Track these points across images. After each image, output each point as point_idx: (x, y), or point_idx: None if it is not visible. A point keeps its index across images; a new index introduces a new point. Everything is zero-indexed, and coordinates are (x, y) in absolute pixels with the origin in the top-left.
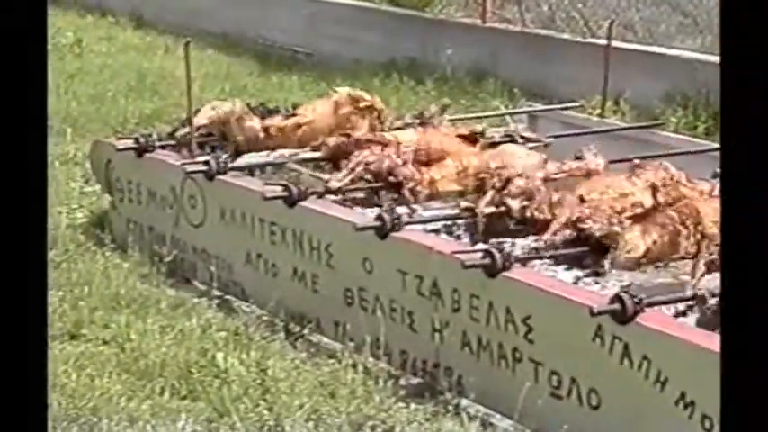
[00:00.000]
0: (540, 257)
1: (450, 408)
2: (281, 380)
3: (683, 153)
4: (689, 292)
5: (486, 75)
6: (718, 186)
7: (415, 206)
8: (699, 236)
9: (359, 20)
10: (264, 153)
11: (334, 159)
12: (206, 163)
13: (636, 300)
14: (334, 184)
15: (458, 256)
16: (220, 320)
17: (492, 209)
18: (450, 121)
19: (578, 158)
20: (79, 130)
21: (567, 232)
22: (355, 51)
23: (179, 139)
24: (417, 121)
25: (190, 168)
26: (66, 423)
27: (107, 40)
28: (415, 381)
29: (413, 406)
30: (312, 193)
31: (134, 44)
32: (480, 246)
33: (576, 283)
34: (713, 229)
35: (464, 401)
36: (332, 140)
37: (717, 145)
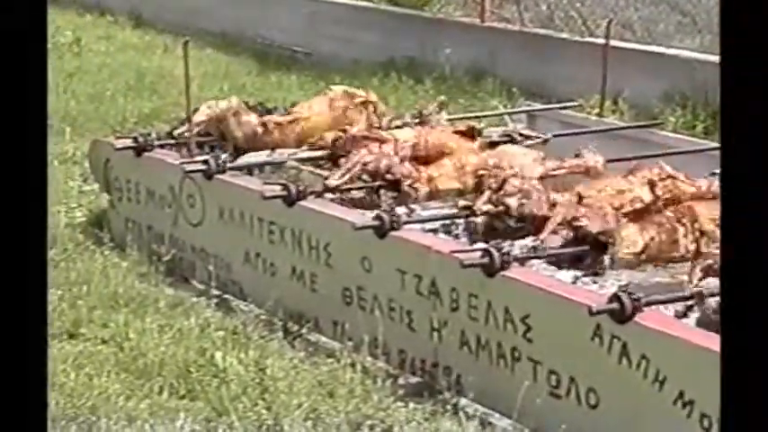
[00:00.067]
0: (539, 257)
1: (449, 407)
2: (279, 379)
3: (681, 152)
4: (687, 292)
5: (485, 74)
6: (715, 183)
7: (413, 206)
8: (697, 233)
9: (358, 19)
10: (263, 152)
11: (333, 156)
12: (205, 162)
13: (634, 299)
14: (332, 182)
15: (456, 255)
16: (219, 320)
17: (490, 207)
18: (449, 120)
19: (577, 157)
20: (78, 129)
21: (564, 232)
22: (354, 51)
23: (178, 139)
24: (416, 120)
25: (188, 167)
26: (65, 422)
27: (106, 39)
28: (413, 380)
29: (411, 405)
30: (311, 193)
31: (133, 43)
32: (479, 245)
33: (574, 282)
34: (710, 226)
35: (463, 401)
36: (329, 136)
37: (715, 144)
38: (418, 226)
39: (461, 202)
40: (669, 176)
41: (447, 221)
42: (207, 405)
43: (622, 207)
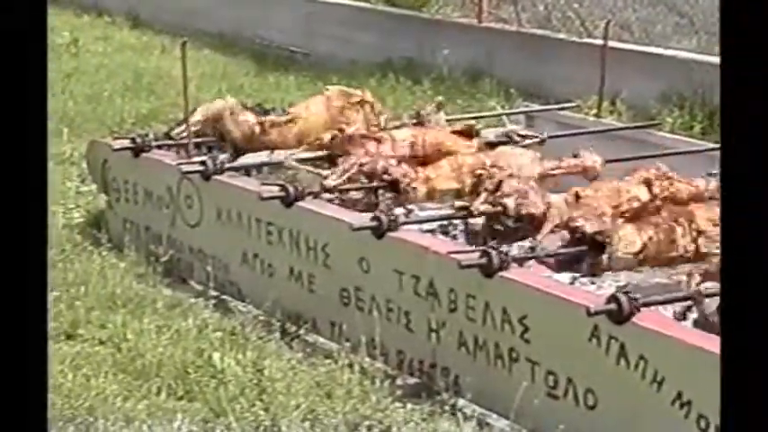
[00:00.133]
0: (537, 257)
1: (447, 408)
2: (277, 380)
3: (679, 153)
4: (685, 293)
5: (483, 75)
6: (712, 183)
7: (411, 206)
8: (695, 233)
9: (356, 20)
10: (261, 153)
11: (331, 156)
12: (202, 163)
13: (632, 300)
14: (330, 183)
15: (454, 256)
16: (217, 320)
17: (487, 206)
18: (448, 121)
19: (575, 157)
20: (76, 129)
21: (561, 233)
22: (352, 51)
23: (175, 139)
24: (414, 121)
25: (186, 168)
26: (63, 423)
27: (104, 39)
28: (411, 381)
29: (409, 406)
30: (309, 194)
31: (130, 44)
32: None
33: (572, 283)
34: (708, 227)
35: (460, 401)
36: (326, 136)
37: (713, 145)
38: (416, 227)
39: (458, 203)
40: (666, 177)
41: (445, 222)
42: (205, 406)
43: (620, 206)
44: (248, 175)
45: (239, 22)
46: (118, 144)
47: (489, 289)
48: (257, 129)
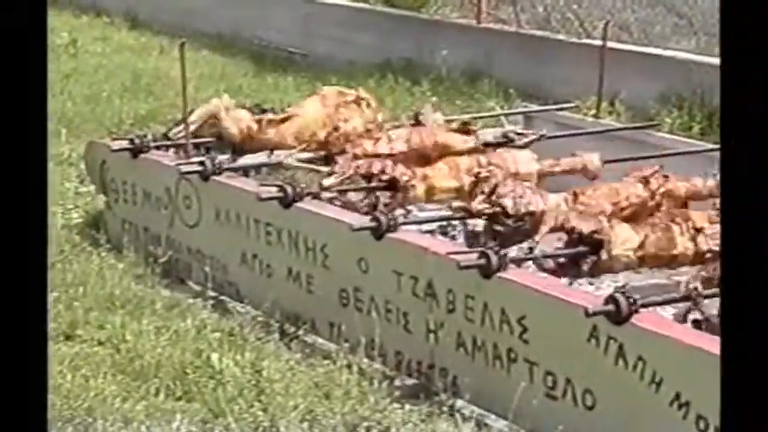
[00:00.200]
0: (535, 258)
1: (445, 409)
2: (275, 381)
3: (677, 154)
4: (683, 293)
5: (482, 75)
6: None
7: (410, 207)
8: (693, 231)
9: (354, 21)
10: (260, 154)
11: (328, 154)
12: (201, 163)
13: (631, 300)
14: (328, 183)
15: (453, 256)
16: (215, 321)
17: (485, 205)
18: (447, 121)
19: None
20: (74, 130)
21: (559, 235)
22: (351, 52)
23: (174, 140)
24: (412, 122)
25: (185, 169)
26: (62, 424)
27: (102, 40)
28: (409, 382)
29: (408, 407)
30: (307, 194)
31: (129, 44)
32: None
33: (570, 283)
34: (706, 226)
35: (459, 402)
36: (323, 134)
37: (712, 145)
38: (415, 227)
39: (455, 204)
40: (664, 176)
41: (444, 223)
42: (203, 407)
43: (618, 204)
44: (247, 175)
45: (238, 23)
46: (116, 145)
47: (488, 290)
48: (254, 126)
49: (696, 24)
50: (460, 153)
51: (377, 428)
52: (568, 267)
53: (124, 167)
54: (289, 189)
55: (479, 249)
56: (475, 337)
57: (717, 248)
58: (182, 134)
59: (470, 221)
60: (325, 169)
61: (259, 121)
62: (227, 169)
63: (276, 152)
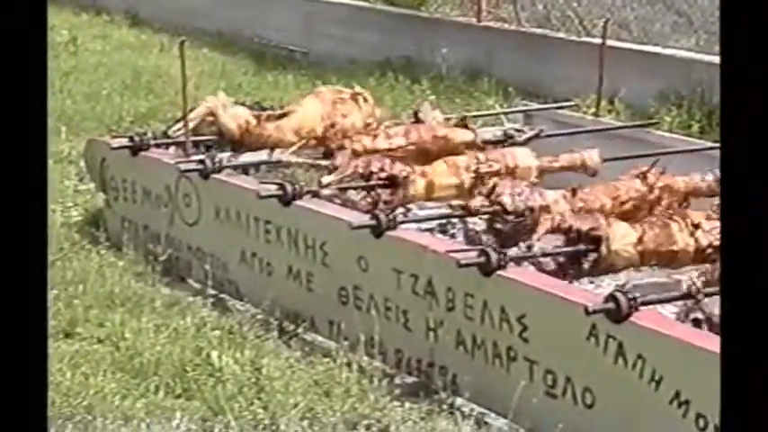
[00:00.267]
0: (534, 256)
1: (445, 407)
2: (275, 378)
3: (677, 152)
4: (683, 291)
5: (482, 74)
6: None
7: (409, 205)
8: (692, 227)
9: (354, 19)
10: (259, 152)
11: (327, 150)
12: (201, 161)
13: (630, 299)
14: (327, 179)
15: (452, 254)
16: (215, 319)
17: (484, 202)
18: (446, 119)
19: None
20: (74, 128)
21: (557, 233)
22: (351, 50)
23: (174, 138)
24: (411, 120)
25: (184, 167)
26: (61, 421)
27: (102, 38)
28: (409, 380)
29: (407, 405)
30: (307, 192)
31: (129, 42)
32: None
33: (570, 281)
34: (705, 224)
35: (459, 400)
36: (321, 129)
37: (711, 144)
38: (414, 225)
39: (455, 201)
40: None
41: (443, 221)
42: (203, 404)
43: (617, 199)
44: (246, 173)
45: (238, 21)
46: (116, 143)
47: (487, 288)
48: (253, 121)
49: (696, 22)
50: (459, 147)
51: (377, 426)
52: (569, 267)
53: (124, 165)
54: (288, 187)
55: (479, 247)
56: (474, 336)
57: (717, 243)
58: (181, 132)
59: (470, 220)
60: (324, 163)
61: (258, 117)
62: (227, 167)
63: (276, 150)
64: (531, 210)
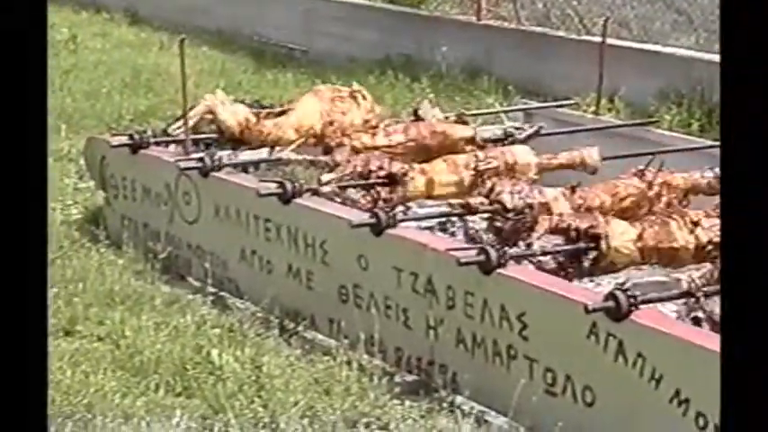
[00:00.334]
0: (534, 254)
1: (445, 405)
2: (275, 377)
3: (676, 150)
4: (683, 290)
5: (481, 72)
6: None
7: (409, 203)
8: (691, 224)
9: (354, 17)
10: (259, 150)
11: (327, 147)
12: (200, 159)
13: (630, 297)
14: (327, 178)
15: (452, 253)
16: (215, 317)
17: (483, 200)
18: (445, 117)
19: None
20: (74, 126)
21: (556, 232)
22: (350, 48)
23: (173, 136)
24: (411, 118)
25: (184, 165)
26: (61, 420)
27: (102, 36)
28: (409, 378)
29: (407, 403)
30: (307, 190)
31: (129, 40)
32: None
33: (570, 280)
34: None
35: (459, 398)
36: (320, 126)
37: (711, 142)
38: (414, 224)
39: (455, 200)
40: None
41: (443, 219)
42: (203, 402)
43: (617, 195)
44: (246, 171)
45: (238, 20)
46: (116, 141)
47: (487, 286)
48: (252, 118)
49: (696, 21)
50: (458, 143)
51: (376, 424)
52: (569, 265)
53: (124, 163)
54: (288, 185)
55: (479, 246)
56: (475, 334)
57: (717, 240)
58: (181, 130)
59: (470, 218)
60: (324, 159)
61: (257, 115)
62: (227, 165)
63: (276, 148)
64: (531, 208)
